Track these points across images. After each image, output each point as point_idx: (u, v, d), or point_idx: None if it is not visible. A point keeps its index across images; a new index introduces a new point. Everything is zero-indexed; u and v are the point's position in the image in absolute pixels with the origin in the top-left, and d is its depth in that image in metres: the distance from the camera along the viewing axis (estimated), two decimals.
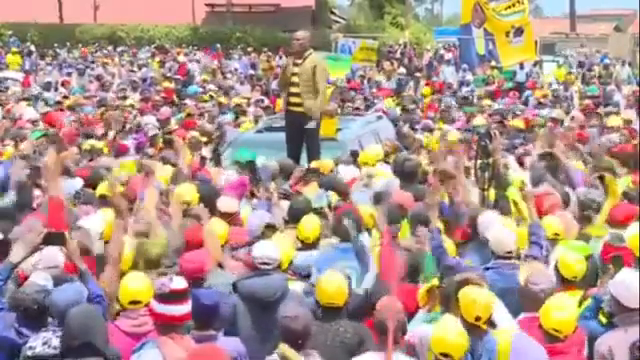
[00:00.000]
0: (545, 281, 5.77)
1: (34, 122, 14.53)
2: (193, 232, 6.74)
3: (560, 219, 7.45)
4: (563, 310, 5.27)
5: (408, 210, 7.59)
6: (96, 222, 7.07)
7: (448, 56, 31.58)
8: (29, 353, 5.05)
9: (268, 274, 6.04)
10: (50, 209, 6.70)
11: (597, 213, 7.87)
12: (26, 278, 5.74)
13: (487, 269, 6.39)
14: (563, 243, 7.05)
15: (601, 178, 8.67)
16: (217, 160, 10.56)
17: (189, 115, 15.13)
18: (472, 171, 8.74)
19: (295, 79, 10.65)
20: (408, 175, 8.81)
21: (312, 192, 8.40)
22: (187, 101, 17.72)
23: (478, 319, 5.20)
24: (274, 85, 19.41)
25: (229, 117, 15.13)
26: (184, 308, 5.08)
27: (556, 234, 7.18)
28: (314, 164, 9.82)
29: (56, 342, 5.00)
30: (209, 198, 7.68)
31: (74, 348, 4.81)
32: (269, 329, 5.72)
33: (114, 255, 6.10)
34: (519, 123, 14.14)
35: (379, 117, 13.48)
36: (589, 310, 5.85)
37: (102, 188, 8.38)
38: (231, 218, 7.45)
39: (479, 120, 14.30)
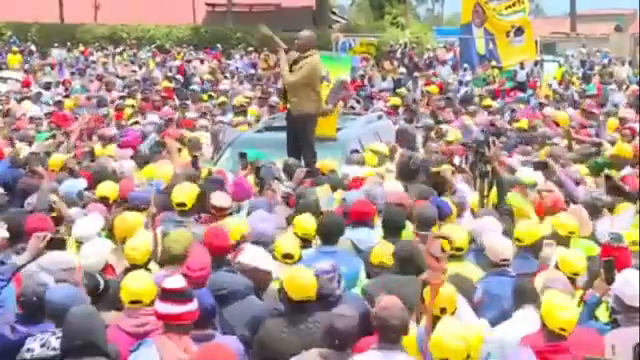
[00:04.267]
0: (561, 286, 5.75)
1: (37, 120, 14.59)
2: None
3: (574, 216, 7.49)
4: (567, 309, 5.29)
5: (407, 208, 7.61)
6: (94, 222, 7.11)
7: (449, 55, 31.60)
8: (27, 356, 5.03)
9: (234, 272, 6.10)
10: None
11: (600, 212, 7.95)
12: None
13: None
14: (574, 243, 7.07)
15: (607, 177, 8.73)
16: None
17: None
18: (470, 176, 8.81)
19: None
20: (411, 173, 8.83)
21: (324, 194, 8.39)
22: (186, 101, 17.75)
23: (443, 311, 5.22)
24: (279, 84, 19.40)
25: (229, 117, 15.20)
26: (180, 308, 5.02)
27: (571, 232, 7.16)
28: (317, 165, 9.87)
29: (55, 343, 4.97)
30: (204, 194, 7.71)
31: (75, 348, 4.78)
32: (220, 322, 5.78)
33: None
34: (523, 124, 14.17)
35: (379, 117, 13.47)
36: (583, 314, 5.86)
37: (102, 189, 8.43)
38: (225, 213, 7.47)
39: (466, 119, 14.40)
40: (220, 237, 6.42)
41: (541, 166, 9.39)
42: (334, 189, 8.53)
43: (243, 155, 9.63)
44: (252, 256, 6.18)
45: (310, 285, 5.61)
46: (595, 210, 8.07)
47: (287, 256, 6.50)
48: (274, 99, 16.47)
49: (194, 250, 6.10)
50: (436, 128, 13.25)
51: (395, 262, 6.37)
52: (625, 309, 5.51)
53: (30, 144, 11.84)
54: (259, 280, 6.11)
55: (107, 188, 8.46)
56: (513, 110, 16.63)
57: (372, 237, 7.23)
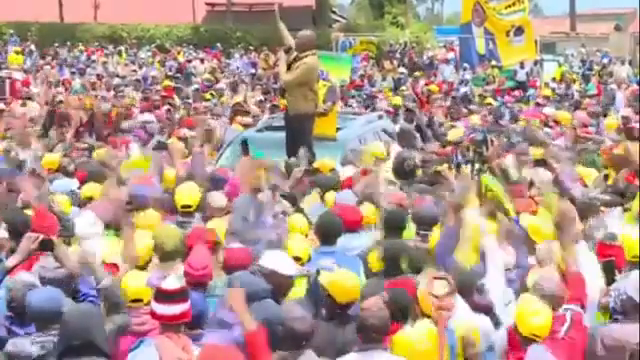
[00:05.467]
0: (552, 285, 5.74)
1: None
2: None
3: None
4: (539, 315, 5.29)
5: (407, 208, 7.61)
6: (93, 222, 7.10)
7: (449, 55, 31.61)
8: None
9: (253, 273, 6.03)
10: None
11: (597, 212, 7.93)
12: None
13: None
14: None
15: (606, 177, 8.72)
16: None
17: (193, 113, 15.19)
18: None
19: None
20: (407, 173, 8.82)
21: (312, 202, 8.34)
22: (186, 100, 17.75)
23: None
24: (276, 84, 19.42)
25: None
26: (176, 308, 4.99)
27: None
28: (315, 164, 9.84)
29: (30, 348, 4.94)
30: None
31: (73, 348, 4.73)
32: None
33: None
34: (523, 123, 14.18)
35: (379, 116, 13.45)
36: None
37: (88, 189, 8.34)
38: (224, 214, 7.42)
39: (474, 119, 14.42)
40: (202, 238, 6.42)
41: (540, 165, 9.38)
42: (329, 190, 8.49)
43: (245, 144, 9.58)
44: (271, 259, 6.02)
45: (356, 287, 5.66)
46: (590, 211, 7.99)
47: (295, 259, 6.41)
48: (253, 96, 16.49)
49: (196, 249, 6.08)
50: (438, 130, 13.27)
51: (383, 264, 6.38)
52: (633, 309, 5.48)
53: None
54: (278, 284, 5.88)
55: (92, 188, 8.31)
56: (513, 109, 16.63)
57: (359, 244, 7.15)
